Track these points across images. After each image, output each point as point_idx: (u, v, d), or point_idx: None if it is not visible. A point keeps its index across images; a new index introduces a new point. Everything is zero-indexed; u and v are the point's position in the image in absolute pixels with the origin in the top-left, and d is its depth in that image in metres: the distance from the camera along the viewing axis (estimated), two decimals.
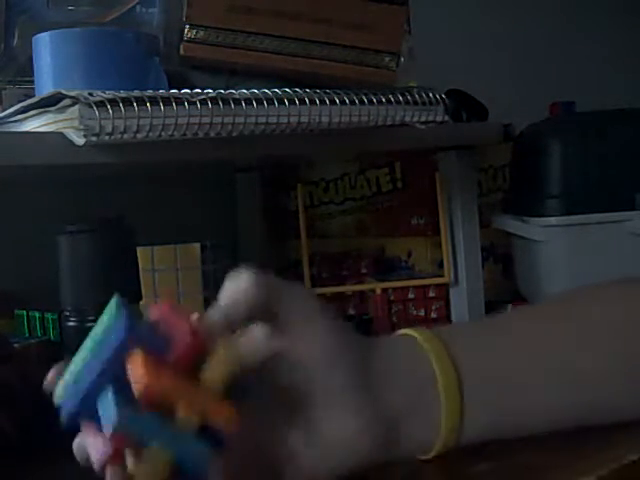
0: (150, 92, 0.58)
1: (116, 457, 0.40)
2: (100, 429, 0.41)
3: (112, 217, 0.74)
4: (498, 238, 0.99)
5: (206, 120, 0.60)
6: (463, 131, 0.89)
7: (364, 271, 0.98)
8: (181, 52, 0.69)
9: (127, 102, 0.56)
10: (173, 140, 0.61)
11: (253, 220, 1.10)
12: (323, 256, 0.99)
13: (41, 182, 0.92)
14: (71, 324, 0.71)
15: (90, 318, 0.69)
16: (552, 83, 1.37)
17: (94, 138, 0.56)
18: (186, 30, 0.69)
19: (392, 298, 0.94)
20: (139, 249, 0.75)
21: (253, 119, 0.63)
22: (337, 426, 0.46)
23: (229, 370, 0.42)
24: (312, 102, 0.65)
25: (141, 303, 0.73)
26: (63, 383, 0.43)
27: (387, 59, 0.74)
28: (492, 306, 0.92)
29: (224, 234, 1.00)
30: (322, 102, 0.66)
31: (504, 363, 0.52)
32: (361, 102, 0.69)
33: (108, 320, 0.42)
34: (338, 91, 0.68)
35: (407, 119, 0.73)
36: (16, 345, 0.75)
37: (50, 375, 0.44)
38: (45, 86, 0.66)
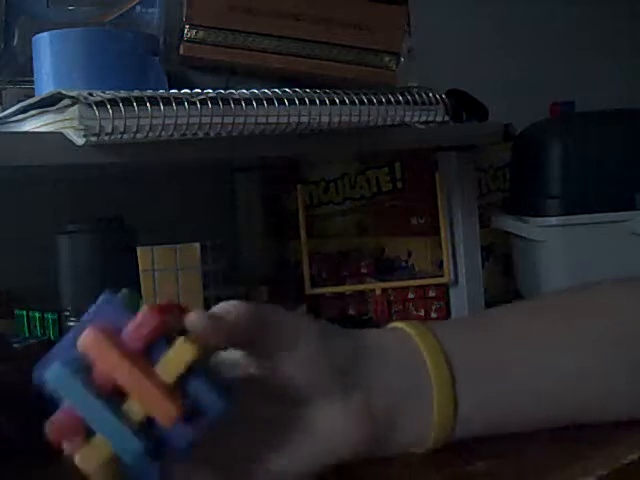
0: (150, 92, 0.58)
1: (69, 433, 0.41)
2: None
3: (112, 217, 0.74)
4: (498, 238, 0.99)
5: (206, 120, 0.60)
6: (463, 131, 0.89)
7: (364, 271, 0.97)
8: (181, 52, 0.69)
9: (127, 102, 0.56)
10: (173, 140, 0.61)
11: (253, 220, 1.10)
12: (323, 256, 0.99)
13: (41, 182, 0.92)
14: (71, 324, 0.71)
15: None
16: (552, 83, 1.36)
17: (94, 138, 0.56)
18: (186, 30, 0.69)
19: (392, 298, 0.94)
20: (139, 249, 0.75)
21: (253, 119, 0.63)
22: (328, 424, 0.46)
23: (183, 363, 0.41)
24: (312, 102, 0.65)
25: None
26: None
27: (387, 59, 0.74)
28: (492, 306, 0.91)
29: (224, 234, 1.00)
30: (322, 102, 0.66)
31: (498, 357, 0.51)
32: (361, 102, 0.69)
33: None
34: (338, 91, 0.68)
35: (407, 119, 0.73)
36: (16, 345, 0.75)
37: None
38: (45, 86, 0.66)
